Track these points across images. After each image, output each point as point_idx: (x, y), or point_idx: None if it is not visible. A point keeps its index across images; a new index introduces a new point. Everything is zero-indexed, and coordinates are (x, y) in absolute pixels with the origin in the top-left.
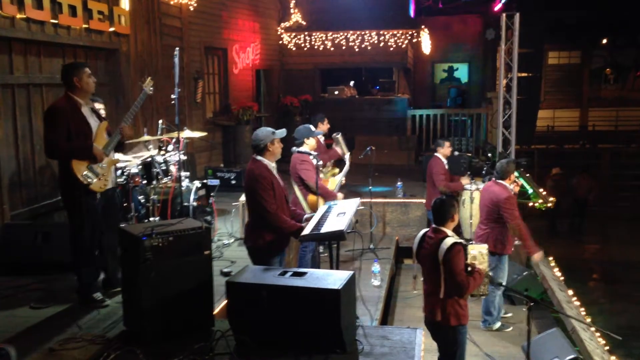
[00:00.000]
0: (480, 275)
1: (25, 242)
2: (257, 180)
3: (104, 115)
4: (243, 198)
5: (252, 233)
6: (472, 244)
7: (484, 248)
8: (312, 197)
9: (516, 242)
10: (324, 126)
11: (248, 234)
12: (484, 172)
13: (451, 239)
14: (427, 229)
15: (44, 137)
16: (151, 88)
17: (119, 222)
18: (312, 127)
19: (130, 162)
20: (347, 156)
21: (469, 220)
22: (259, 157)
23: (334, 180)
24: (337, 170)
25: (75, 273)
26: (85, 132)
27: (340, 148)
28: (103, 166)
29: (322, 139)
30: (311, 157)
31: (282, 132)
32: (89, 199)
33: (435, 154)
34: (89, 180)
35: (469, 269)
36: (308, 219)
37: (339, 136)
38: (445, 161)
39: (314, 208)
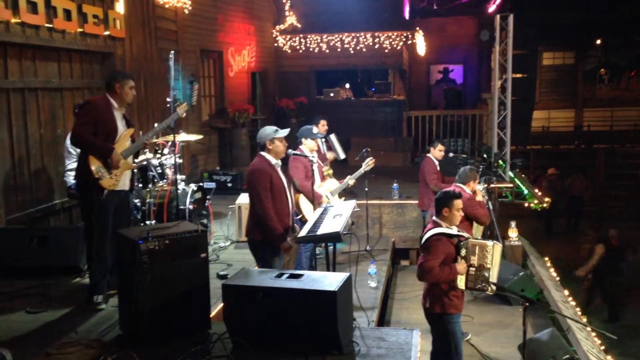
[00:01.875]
0: (451, 270)
1: (21, 247)
2: (255, 175)
3: None
4: (239, 200)
5: (254, 228)
6: (478, 239)
7: (485, 244)
8: (296, 196)
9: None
10: (322, 128)
11: (250, 228)
12: (479, 173)
13: (436, 230)
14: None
15: (73, 125)
16: (185, 113)
17: (128, 224)
18: (315, 129)
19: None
20: (367, 161)
21: None
22: (263, 153)
23: (333, 182)
24: (332, 171)
25: (88, 270)
26: (111, 131)
27: (335, 152)
28: (118, 167)
29: (321, 140)
30: (307, 159)
31: (284, 132)
32: (98, 195)
33: (428, 154)
34: (101, 175)
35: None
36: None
37: (333, 136)
38: (437, 162)
39: (297, 206)
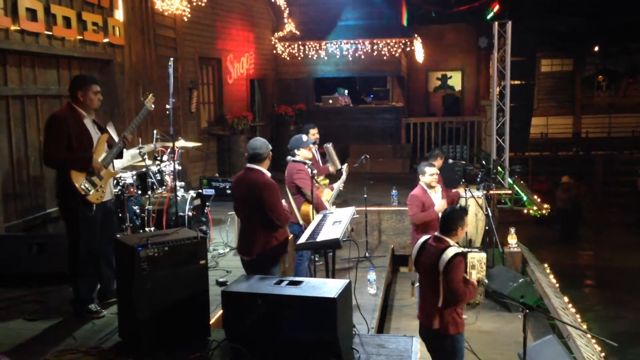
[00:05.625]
0: (474, 287)
1: (20, 254)
2: (270, 188)
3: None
4: None
5: (254, 245)
6: (470, 252)
7: (482, 257)
8: (305, 207)
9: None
10: (313, 136)
11: (250, 246)
12: (478, 179)
13: (453, 249)
14: (428, 237)
15: (43, 145)
16: (152, 105)
17: (116, 233)
18: (304, 137)
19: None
20: (344, 167)
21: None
22: (258, 167)
23: (328, 192)
24: (327, 181)
25: (72, 284)
26: (85, 142)
27: (332, 161)
28: (101, 178)
29: (314, 148)
30: (306, 166)
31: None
32: (86, 210)
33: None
34: (87, 190)
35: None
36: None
37: (330, 146)
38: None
39: (306, 218)
